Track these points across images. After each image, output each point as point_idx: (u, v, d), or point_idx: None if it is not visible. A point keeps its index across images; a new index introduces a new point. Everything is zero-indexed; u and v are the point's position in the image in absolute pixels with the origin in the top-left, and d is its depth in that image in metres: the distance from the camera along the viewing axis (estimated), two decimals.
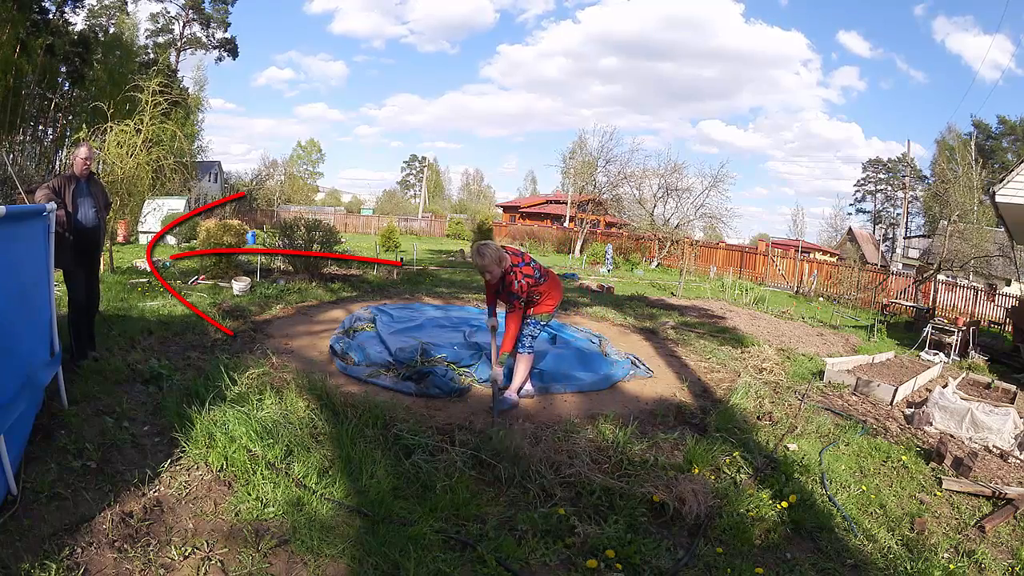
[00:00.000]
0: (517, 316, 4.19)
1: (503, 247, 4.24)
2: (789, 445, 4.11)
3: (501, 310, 4.46)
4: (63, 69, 27.45)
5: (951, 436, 4.73)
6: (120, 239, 13.04)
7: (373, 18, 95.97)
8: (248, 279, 8.16)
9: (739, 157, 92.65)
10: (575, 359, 5.56)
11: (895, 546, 2.97)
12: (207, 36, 37.15)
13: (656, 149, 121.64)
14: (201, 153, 35.95)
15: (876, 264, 31.04)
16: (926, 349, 9.04)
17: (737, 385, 5.39)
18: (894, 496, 3.56)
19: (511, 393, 4.39)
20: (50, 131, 28.00)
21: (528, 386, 4.63)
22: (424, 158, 63.52)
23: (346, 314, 7.03)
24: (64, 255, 4.19)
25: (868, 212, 58.23)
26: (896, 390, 5.68)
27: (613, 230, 31.10)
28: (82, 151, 4.46)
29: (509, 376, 4.50)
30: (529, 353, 4.43)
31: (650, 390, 5.18)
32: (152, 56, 33.21)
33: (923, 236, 39.58)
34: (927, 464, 4.07)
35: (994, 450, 4.53)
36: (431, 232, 35.45)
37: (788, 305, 13.21)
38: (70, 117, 27.23)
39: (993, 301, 15.74)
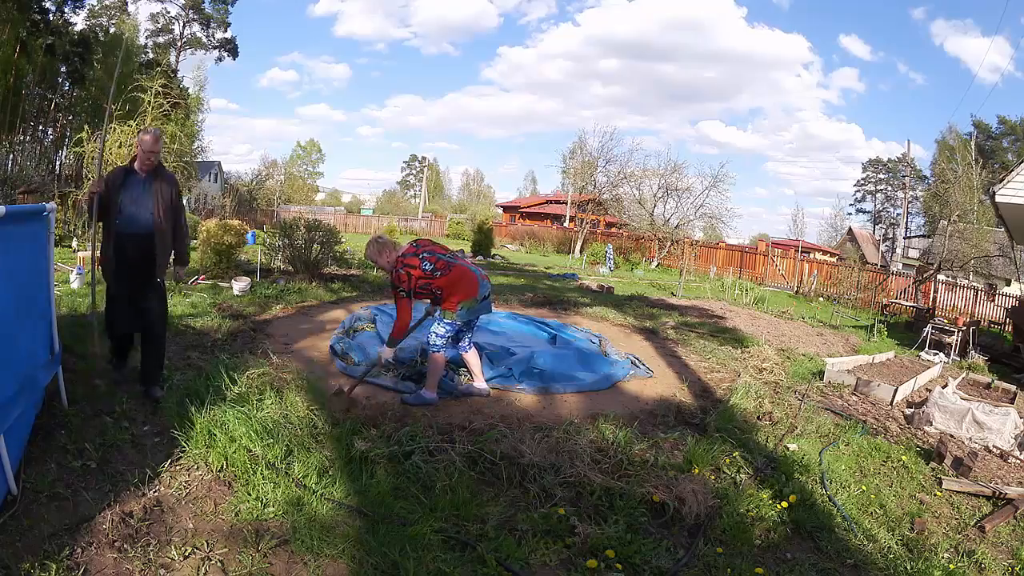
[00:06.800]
0: (401, 307, 4.11)
1: (420, 242, 4.24)
2: (789, 445, 4.11)
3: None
4: (63, 69, 27.41)
5: (951, 436, 4.72)
6: None
7: (376, 21, 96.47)
8: (248, 279, 8.15)
9: (739, 157, 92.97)
10: (575, 359, 5.56)
11: (895, 546, 2.97)
12: (207, 36, 37.12)
13: (656, 149, 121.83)
14: (201, 153, 35.93)
15: (876, 264, 31.09)
16: (926, 349, 9.03)
17: (737, 385, 5.39)
18: (894, 496, 3.56)
19: (427, 391, 4.22)
20: (50, 131, 28.00)
21: (482, 384, 4.51)
22: (424, 158, 63.33)
23: (346, 314, 7.03)
24: (105, 270, 3.56)
25: (868, 212, 58.32)
26: (896, 390, 5.68)
27: (613, 230, 31.11)
28: (147, 139, 3.50)
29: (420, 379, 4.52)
30: (436, 352, 4.19)
31: (650, 390, 5.18)
32: (152, 57, 33.17)
33: (923, 236, 39.59)
34: (927, 464, 4.07)
35: (994, 450, 4.53)
36: (431, 232, 35.51)
37: (788, 305, 13.20)
38: (70, 117, 27.21)
39: (993, 301, 15.72)
